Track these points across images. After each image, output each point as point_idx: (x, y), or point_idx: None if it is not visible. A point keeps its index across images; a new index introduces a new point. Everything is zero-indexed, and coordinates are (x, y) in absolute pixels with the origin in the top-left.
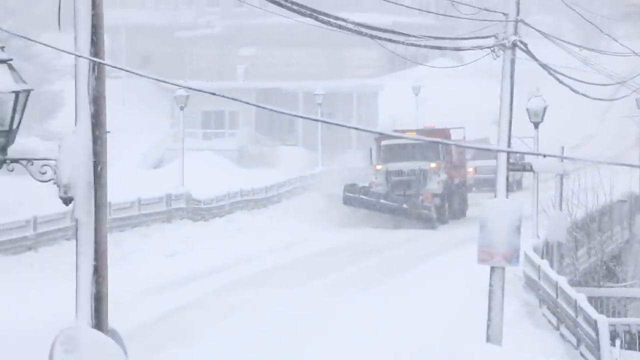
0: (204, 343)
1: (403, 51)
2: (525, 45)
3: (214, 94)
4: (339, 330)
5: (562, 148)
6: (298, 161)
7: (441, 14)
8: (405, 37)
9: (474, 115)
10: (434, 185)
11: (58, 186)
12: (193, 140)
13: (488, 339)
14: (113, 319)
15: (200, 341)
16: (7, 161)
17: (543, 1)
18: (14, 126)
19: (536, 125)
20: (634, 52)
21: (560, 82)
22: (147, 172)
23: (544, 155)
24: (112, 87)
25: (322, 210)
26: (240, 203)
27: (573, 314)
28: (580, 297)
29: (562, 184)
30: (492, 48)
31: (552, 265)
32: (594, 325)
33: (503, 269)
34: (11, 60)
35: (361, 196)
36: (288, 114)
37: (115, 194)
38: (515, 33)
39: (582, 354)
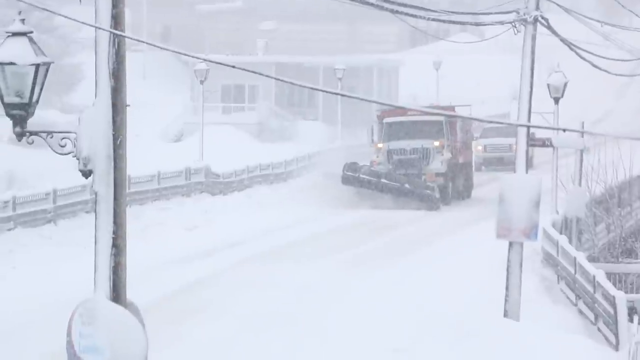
0: (222, 317)
1: (424, 26)
2: (547, 20)
3: (234, 67)
4: (357, 304)
5: (582, 123)
6: (318, 136)
7: None
8: (426, 12)
9: (494, 91)
10: (438, 164)
11: (78, 159)
12: (213, 114)
13: (506, 314)
14: (131, 292)
15: (218, 315)
16: (27, 134)
17: None
18: (34, 99)
19: (556, 100)
20: None
21: (581, 57)
22: (167, 145)
23: (564, 130)
24: (133, 61)
25: (343, 187)
26: (259, 177)
27: (591, 290)
28: (599, 273)
29: (582, 159)
30: (513, 23)
31: (570, 241)
32: (612, 301)
33: (521, 244)
34: (31, 32)
35: (361, 175)
36: (308, 87)
37: (135, 167)
38: (537, 8)
39: (599, 330)
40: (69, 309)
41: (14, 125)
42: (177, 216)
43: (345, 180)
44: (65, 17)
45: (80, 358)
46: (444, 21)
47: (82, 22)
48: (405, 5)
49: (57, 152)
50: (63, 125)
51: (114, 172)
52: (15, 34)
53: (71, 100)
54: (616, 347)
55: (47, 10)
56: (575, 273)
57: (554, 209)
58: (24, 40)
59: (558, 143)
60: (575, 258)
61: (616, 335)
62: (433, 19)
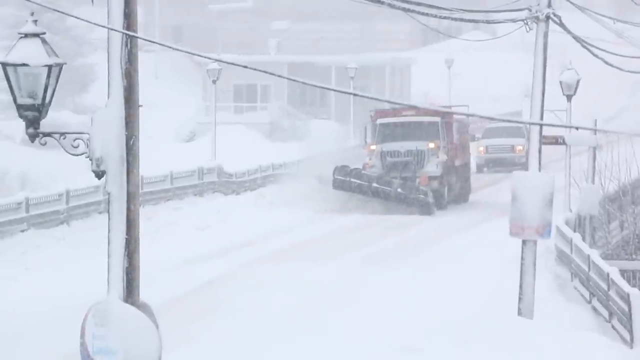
0: (233, 317)
1: (436, 24)
2: (559, 17)
3: (246, 67)
4: (368, 304)
5: (595, 121)
6: (330, 135)
7: None
8: (438, 10)
9: (506, 89)
10: (433, 167)
11: (90, 160)
12: (225, 113)
13: (520, 313)
14: (144, 292)
15: (231, 314)
16: (40, 135)
17: None
18: (47, 100)
19: (569, 98)
20: None
21: (594, 54)
22: (180, 145)
23: (577, 128)
24: (145, 61)
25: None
26: (271, 177)
27: (605, 287)
28: (613, 270)
29: (594, 156)
30: (525, 21)
31: (584, 239)
32: (626, 298)
33: (535, 242)
34: (44, 33)
35: (352, 179)
36: (320, 87)
37: (147, 167)
38: (549, 5)
39: (614, 328)
40: (82, 310)
41: (27, 126)
42: (190, 216)
43: (336, 184)
44: (78, 18)
45: (94, 359)
46: (456, 19)
47: (95, 23)
48: (417, 3)
49: (70, 153)
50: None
51: (127, 173)
52: (27, 35)
53: (84, 101)
54: (631, 345)
55: (59, 11)
56: (589, 271)
57: (567, 207)
58: (36, 41)
59: (571, 141)
60: (589, 256)
61: (631, 332)
62: (445, 17)
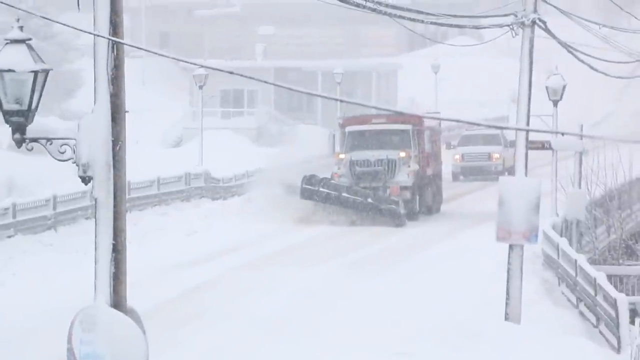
0: (222, 321)
1: (422, 30)
2: (544, 23)
3: (232, 72)
4: (357, 308)
5: (582, 126)
6: (317, 140)
7: None
8: (424, 16)
9: (493, 94)
10: (404, 176)
11: (77, 165)
12: (212, 119)
13: (507, 317)
14: (132, 297)
15: (218, 319)
16: (26, 140)
17: None
18: (33, 105)
19: (555, 103)
20: None
21: (580, 60)
22: (167, 151)
23: (563, 134)
24: (132, 67)
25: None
26: (258, 182)
27: (592, 292)
28: (600, 275)
29: (581, 161)
30: (511, 26)
31: (571, 244)
32: (613, 303)
33: (522, 247)
34: (30, 40)
35: (320, 189)
36: (307, 93)
37: (134, 172)
38: (535, 11)
39: (601, 333)
40: (70, 316)
41: (14, 132)
42: (177, 221)
43: (304, 194)
44: (64, 24)
45: None
46: (442, 24)
47: (81, 30)
48: (403, 8)
49: (56, 159)
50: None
51: (114, 178)
52: (13, 41)
53: (70, 106)
54: (618, 350)
55: (45, 17)
56: (576, 275)
57: (553, 212)
58: (22, 47)
59: (557, 146)
60: (576, 260)
61: (618, 337)
62: (431, 22)
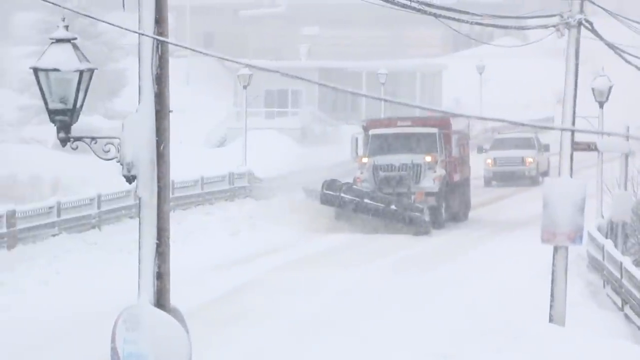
0: (264, 322)
1: (467, 30)
2: (591, 24)
3: (277, 72)
4: (399, 309)
5: (628, 127)
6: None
7: None
8: (469, 16)
9: (538, 95)
10: (429, 182)
11: (121, 164)
12: (256, 119)
13: (551, 319)
14: (175, 297)
15: (261, 320)
16: (71, 139)
17: None
18: (78, 104)
19: (601, 104)
20: None
21: (627, 61)
22: (211, 150)
23: (609, 134)
24: (176, 66)
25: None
26: (303, 183)
27: (638, 295)
28: None
29: (627, 163)
30: (557, 27)
31: (616, 245)
32: None
33: (566, 248)
34: (75, 39)
35: (342, 194)
36: (351, 93)
37: (178, 172)
38: (581, 11)
39: None
40: (113, 315)
41: (58, 131)
42: (221, 221)
43: (324, 199)
44: (109, 23)
45: None
46: (487, 25)
47: (126, 29)
48: (448, 9)
49: (101, 158)
50: (107, 131)
51: (158, 178)
52: (59, 41)
53: (115, 106)
54: None
55: (90, 16)
56: (621, 278)
57: (599, 213)
58: (67, 46)
59: (603, 147)
60: (621, 263)
61: None
62: (476, 23)
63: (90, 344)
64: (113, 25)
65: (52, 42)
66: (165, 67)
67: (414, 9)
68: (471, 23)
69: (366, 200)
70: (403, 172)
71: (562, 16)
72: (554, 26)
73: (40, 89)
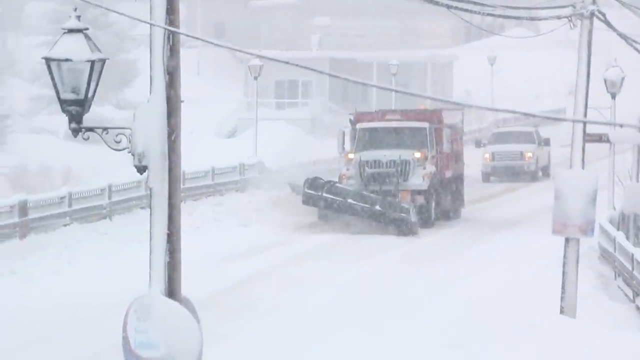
0: (274, 313)
1: (479, 21)
2: (604, 14)
3: (287, 63)
4: (409, 301)
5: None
6: None
7: None
8: (481, 7)
9: (550, 86)
10: (418, 179)
11: (132, 155)
12: (266, 109)
13: (562, 311)
14: (185, 287)
15: (271, 311)
16: (83, 130)
17: None
18: (89, 95)
19: (613, 95)
20: None
21: (639, 52)
22: (221, 141)
23: (621, 126)
24: (187, 57)
25: None
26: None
27: None
28: None
29: (639, 154)
30: (569, 18)
31: (628, 237)
32: None
33: (578, 240)
34: (87, 29)
35: (324, 194)
36: (362, 84)
37: (189, 163)
38: (594, 2)
39: None
40: (124, 305)
41: (70, 121)
42: (231, 212)
43: (307, 199)
44: (121, 13)
45: (136, 353)
46: (498, 16)
47: (137, 19)
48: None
49: (112, 148)
50: (118, 121)
51: (169, 168)
52: (71, 31)
53: (126, 96)
54: None
55: (102, 7)
56: (632, 269)
57: (610, 205)
58: (79, 36)
59: (615, 138)
60: (632, 254)
61: None
62: (488, 14)
63: (101, 333)
64: (124, 15)
65: (64, 32)
66: (176, 57)
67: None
68: (482, 14)
69: (350, 200)
70: (390, 169)
71: (574, 7)
72: (566, 17)
73: (52, 79)
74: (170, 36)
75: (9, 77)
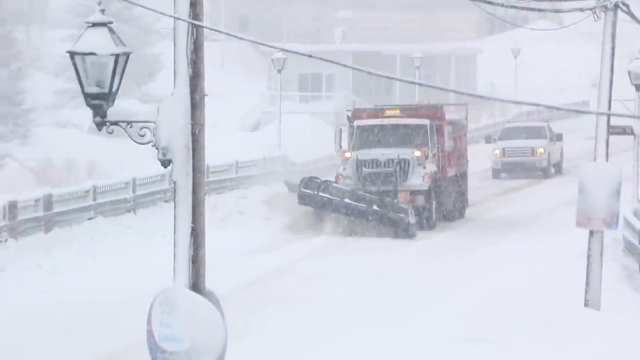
0: (298, 306)
1: (502, 13)
2: (627, 6)
3: (310, 56)
4: (432, 294)
5: None
6: None
7: None
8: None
9: (574, 79)
10: (418, 179)
11: (156, 148)
12: (290, 102)
13: (586, 304)
14: (210, 281)
15: (296, 304)
16: (107, 123)
17: None
18: (114, 89)
19: (637, 87)
20: None
21: None
22: (245, 134)
23: None
24: (211, 50)
25: None
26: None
27: None
28: None
29: None
30: (593, 10)
31: None
32: None
33: (602, 233)
34: (111, 23)
35: (320, 194)
36: (386, 77)
37: (213, 156)
38: None
39: None
40: (149, 298)
41: (94, 114)
42: (255, 205)
43: (302, 199)
44: (145, 7)
45: (160, 347)
46: (522, 8)
47: (161, 12)
48: None
49: (136, 142)
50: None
51: (193, 162)
52: (95, 25)
53: (150, 90)
54: None
55: (126, 0)
56: None
57: (634, 198)
58: (103, 30)
59: (639, 130)
60: None
61: None
62: (512, 6)
63: (126, 326)
64: (148, 9)
65: (88, 26)
66: (200, 50)
67: None
68: (506, 6)
69: (346, 200)
70: (388, 169)
71: None
72: (590, 9)
73: (77, 72)
74: (194, 30)
75: (34, 71)
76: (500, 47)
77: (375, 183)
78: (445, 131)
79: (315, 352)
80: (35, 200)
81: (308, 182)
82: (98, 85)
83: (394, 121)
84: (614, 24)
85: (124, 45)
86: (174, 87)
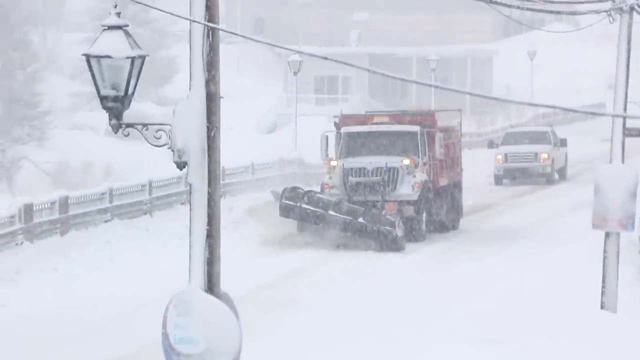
0: (315, 307)
1: (518, 16)
2: None
3: (326, 58)
4: (447, 295)
5: None
6: None
7: None
8: (520, 2)
9: (589, 81)
10: (407, 189)
11: (172, 151)
12: (306, 105)
13: (602, 306)
14: (225, 283)
15: (311, 305)
16: (123, 126)
17: None
18: (130, 91)
19: None
20: None
21: None
22: (261, 137)
23: None
24: (227, 53)
25: None
26: None
27: None
28: None
29: None
30: (608, 12)
31: None
32: None
33: (618, 234)
34: (127, 26)
35: (303, 205)
36: (401, 79)
37: (229, 158)
38: None
39: None
40: (164, 301)
41: (110, 117)
42: (271, 207)
43: (284, 210)
44: (161, 10)
45: (176, 349)
46: (538, 10)
47: (177, 15)
48: None
49: (152, 144)
50: (158, 118)
51: (208, 164)
52: (111, 28)
53: (166, 92)
54: None
55: (142, 3)
56: None
57: None
58: (119, 33)
59: None
60: None
61: None
62: (527, 9)
63: (141, 329)
64: (164, 12)
65: (104, 29)
66: (215, 53)
67: None
68: (522, 9)
69: (331, 212)
70: (376, 178)
71: (614, 1)
72: (605, 11)
73: (93, 75)
74: (210, 32)
75: (50, 73)
76: (516, 49)
77: (362, 193)
78: (436, 138)
79: (330, 353)
80: (52, 203)
81: (290, 192)
82: (114, 88)
83: (382, 128)
84: (629, 26)
85: (139, 48)
86: (190, 89)
